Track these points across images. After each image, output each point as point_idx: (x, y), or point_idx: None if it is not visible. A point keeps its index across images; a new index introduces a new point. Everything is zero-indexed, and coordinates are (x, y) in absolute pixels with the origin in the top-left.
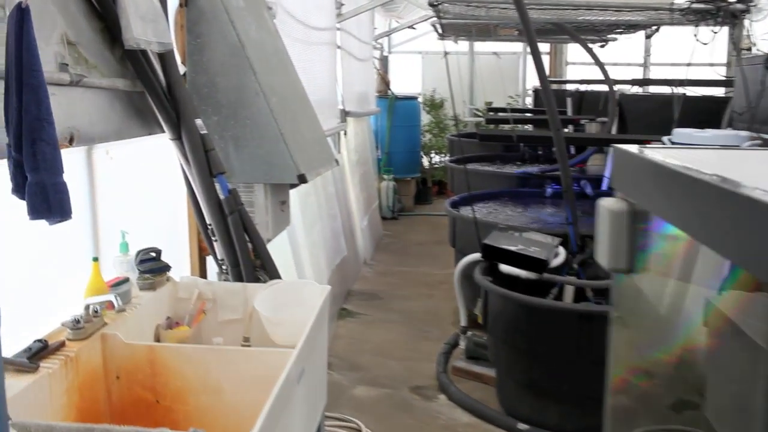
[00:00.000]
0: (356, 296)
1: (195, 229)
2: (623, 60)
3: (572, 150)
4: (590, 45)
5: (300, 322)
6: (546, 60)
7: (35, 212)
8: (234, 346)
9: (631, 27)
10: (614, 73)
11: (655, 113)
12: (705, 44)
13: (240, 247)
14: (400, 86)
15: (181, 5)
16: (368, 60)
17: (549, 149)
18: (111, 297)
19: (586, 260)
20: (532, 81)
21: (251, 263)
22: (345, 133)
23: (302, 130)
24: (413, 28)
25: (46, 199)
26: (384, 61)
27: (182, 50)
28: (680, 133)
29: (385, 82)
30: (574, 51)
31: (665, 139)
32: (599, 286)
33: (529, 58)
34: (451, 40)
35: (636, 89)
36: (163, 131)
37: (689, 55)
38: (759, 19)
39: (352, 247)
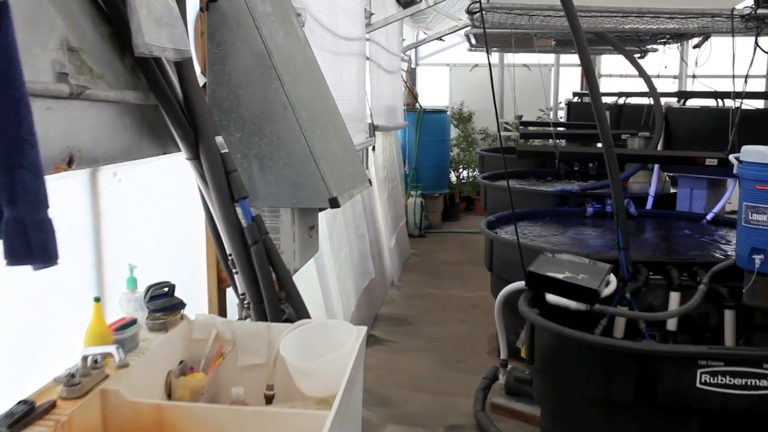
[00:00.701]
0: (384, 321)
1: (214, 258)
2: (655, 71)
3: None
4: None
5: (332, 372)
6: (578, 72)
7: (13, 256)
8: (256, 400)
9: (678, 36)
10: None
11: (703, 128)
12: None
13: (264, 282)
14: (427, 99)
15: (201, 9)
16: (396, 72)
17: (585, 165)
18: (112, 349)
19: (639, 289)
20: (565, 94)
21: (276, 299)
22: (373, 148)
23: (333, 148)
24: (442, 40)
25: (27, 240)
26: (412, 73)
27: (202, 59)
28: (751, 151)
29: (413, 94)
30: (608, 62)
31: (732, 158)
32: (655, 319)
33: (562, 70)
34: (483, 51)
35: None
36: (179, 150)
37: (743, 66)
38: None
39: (379, 268)
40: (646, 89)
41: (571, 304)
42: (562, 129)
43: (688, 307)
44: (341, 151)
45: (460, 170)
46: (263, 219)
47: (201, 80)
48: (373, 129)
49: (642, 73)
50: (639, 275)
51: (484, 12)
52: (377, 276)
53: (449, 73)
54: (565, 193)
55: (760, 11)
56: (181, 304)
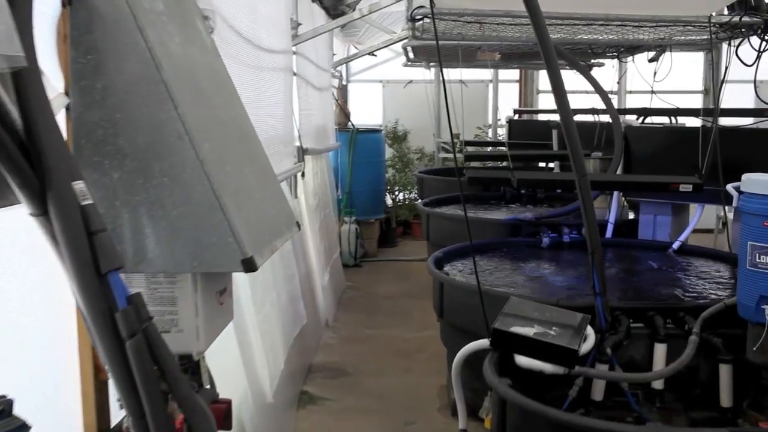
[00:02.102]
0: (319, 373)
1: (88, 341)
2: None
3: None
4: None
5: None
6: (516, 88)
7: None
8: None
9: (632, 49)
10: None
11: (666, 149)
12: (749, 65)
13: (146, 390)
14: (360, 117)
15: (63, 4)
16: (327, 89)
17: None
18: None
19: (620, 342)
20: (503, 111)
21: (165, 414)
22: (303, 174)
23: (250, 186)
24: (374, 55)
25: None
26: (343, 90)
27: (66, 72)
28: (756, 181)
29: (344, 113)
30: (546, 78)
31: (732, 189)
32: (644, 381)
33: (501, 86)
34: (422, 66)
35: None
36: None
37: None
38: None
39: (312, 309)
40: (585, 105)
41: (546, 367)
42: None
43: (679, 363)
44: (260, 189)
45: (396, 192)
46: (153, 288)
47: (63, 102)
48: (302, 152)
49: (599, 90)
50: (619, 325)
51: (429, 19)
52: (310, 320)
53: (382, 89)
54: (519, 222)
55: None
56: (24, 428)
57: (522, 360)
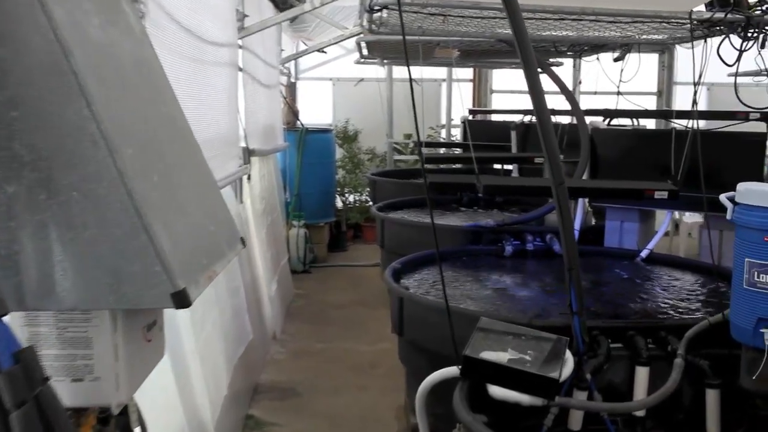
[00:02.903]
0: (266, 393)
1: None
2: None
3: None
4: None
5: None
6: (470, 88)
7: None
8: None
9: (597, 47)
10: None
11: (635, 152)
12: (730, 65)
13: None
14: (309, 116)
15: None
16: (275, 86)
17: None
18: None
19: (600, 366)
20: (458, 111)
21: None
22: (249, 178)
23: (183, 200)
24: (324, 52)
25: None
26: (292, 87)
27: None
28: (754, 191)
29: (293, 112)
30: (500, 77)
31: (725, 200)
32: (627, 411)
33: (455, 86)
34: (377, 63)
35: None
36: None
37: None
38: None
39: (258, 323)
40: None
41: (524, 398)
42: (459, 150)
43: (666, 391)
44: (197, 202)
45: (347, 195)
46: (63, 327)
47: None
48: (249, 154)
49: (564, 90)
50: (598, 347)
51: (388, 11)
52: (256, 334)
53: (333, 88)
54: (480, 229)
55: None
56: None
57: (496, 391)
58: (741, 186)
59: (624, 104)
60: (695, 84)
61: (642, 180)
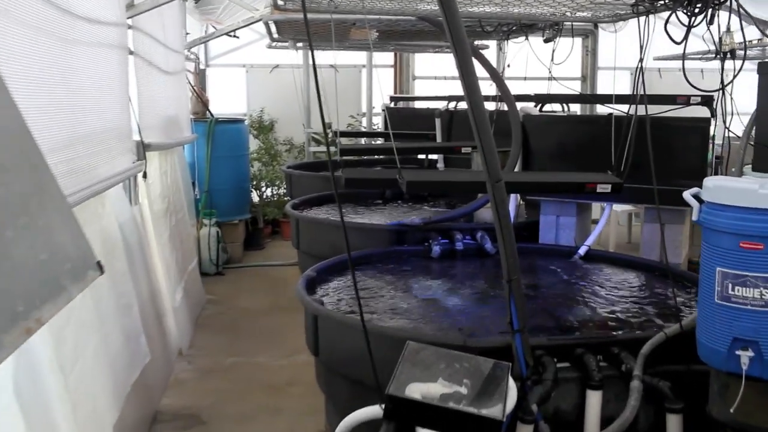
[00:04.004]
0: (166, 423)
1: None
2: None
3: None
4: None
5: None
6: (390, 73)
7: None
8: None
9: (526, 27)
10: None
11: (568, 140)
12: (678, 43)
13: None
14: (221, 106)
15: None
16: (180, 73)
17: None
18: None
19: (548, 394)
20: (379, 98)
21: None
22: (144, 176)
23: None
24: (235, 36)
25: None
26: (201, 75)
27: None
28: (727, 188)
29: (202, 101)
30: (422, 63)
31: (689, 197)
32: None
33: (375, 72)
34: (289, 47)
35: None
36: None
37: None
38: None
39: (160, 340)
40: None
41: None
42: (380, 140)
43: (624, 422)
44: (18, 224)
45: (264, 188)
46: None
47: None
48: (144, 148)
49: (492, 72)
50: (543, 370)
51: None
52: (156, 354)
53: (246, 75)
54: (404, 228)
55: None
56: None
57: None
58: (709, 181)
59: (555, 89)
60: (638, 69)
61: (579, 170)
